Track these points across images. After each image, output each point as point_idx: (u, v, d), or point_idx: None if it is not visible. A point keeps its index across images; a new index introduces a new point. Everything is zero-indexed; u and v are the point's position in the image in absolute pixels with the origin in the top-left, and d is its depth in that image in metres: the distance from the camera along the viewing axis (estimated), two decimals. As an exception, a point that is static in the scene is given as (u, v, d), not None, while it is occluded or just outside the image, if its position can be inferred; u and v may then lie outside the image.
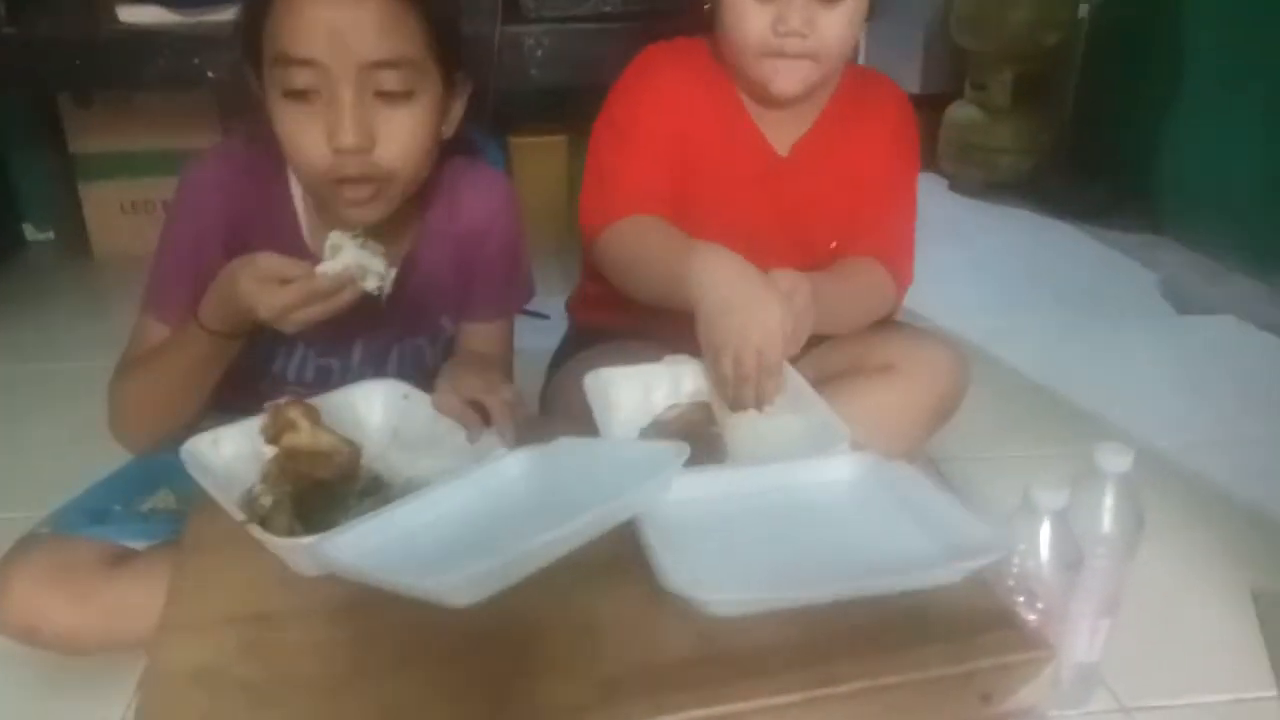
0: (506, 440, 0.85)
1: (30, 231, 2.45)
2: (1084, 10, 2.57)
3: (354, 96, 0.86)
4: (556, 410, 1.18)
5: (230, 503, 0.78)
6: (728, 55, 1.13)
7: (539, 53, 1.72)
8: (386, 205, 0.93)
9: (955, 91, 2.75)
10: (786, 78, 1.08)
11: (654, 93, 1.16)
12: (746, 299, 0.92)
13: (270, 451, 0.84)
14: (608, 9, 1.72)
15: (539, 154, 2.29)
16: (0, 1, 1.64)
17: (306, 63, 0.85)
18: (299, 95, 0.87)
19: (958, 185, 2.70)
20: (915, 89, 2.87)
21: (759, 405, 0.92)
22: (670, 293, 0.99)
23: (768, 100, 1.14)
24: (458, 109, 0.98)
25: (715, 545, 0.74)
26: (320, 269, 0.84)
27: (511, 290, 1.14)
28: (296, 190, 1.00)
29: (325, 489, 0.83)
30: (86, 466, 1.03)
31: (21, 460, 1.45)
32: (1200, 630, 1.12)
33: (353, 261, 0.85)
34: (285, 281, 0.84)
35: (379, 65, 0.86)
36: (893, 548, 0.74)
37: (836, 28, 1.06)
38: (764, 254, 1.16)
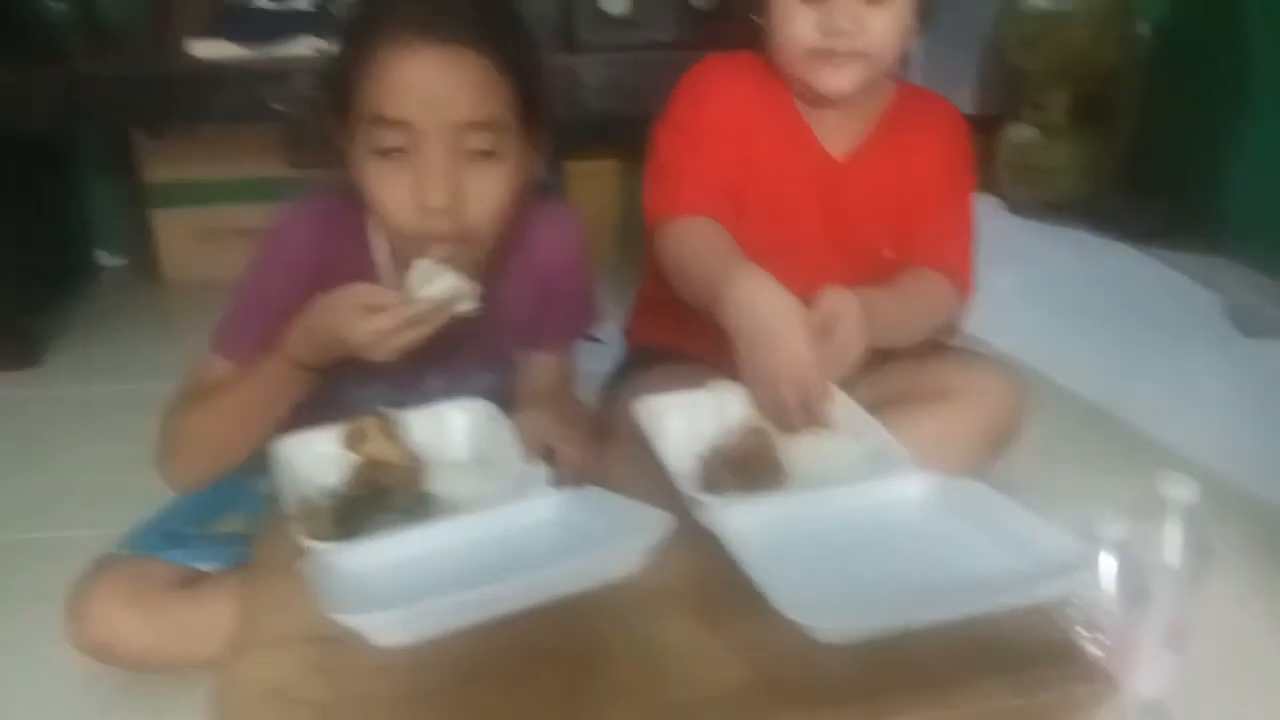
0: (566, 485, 0.86)
1: (103, 257, 2.53)
2: (1144, 28, 2.53)
3: (444, 156, 0.88)
4: (613, 432, 1.20)
5: (294, 501, 0.82)
6: (779, 62, 1.15)
7: (593, 82, 1.75)
8: (468, 258, 0.95)
9: (1011, 112, 2.72)
10: (835, 76, 1.10)
11: (711, 94, 1.19)
12: (776, 332, 0.93)
13: (353, 458, 0.89)
14: (661, 38, 1.75)
15: (592, 178, 2.31)
16: (80, 41, 1.70)
17: (400, 123, 0.88)
18: (390, 153, 0.89)
19: (1015, 206, 2.67)
20: (970, 109, 2.84)
21: (812, 428, 0.93)
22: (711, 309, 1.00)
23: (819, 101, 1.15)
24: (538, 166, 1.00)
25: (807, 570, 0.73)
26: (422, 294, 0.87)
27: (579, 319, 1.17)
28: (376, 240, 1.02)
29: (375, 500, 0.86)
30: (155, 485, 1.05)
31: (92, 478, 1.50)
32: (1271, 666, 1.09)
33: (448, 286, 0.87)
34: (380, 310, 0.86)
35: (469, 126, 0.89)
36: (982, 567, 0.73)
37: (883, 27, 1.08)
38: (816, 259, 1.19)
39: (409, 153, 0.89)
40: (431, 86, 0.87)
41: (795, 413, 0.92)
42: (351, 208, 0.97)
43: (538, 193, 1.07)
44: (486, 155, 0.91)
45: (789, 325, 0.93)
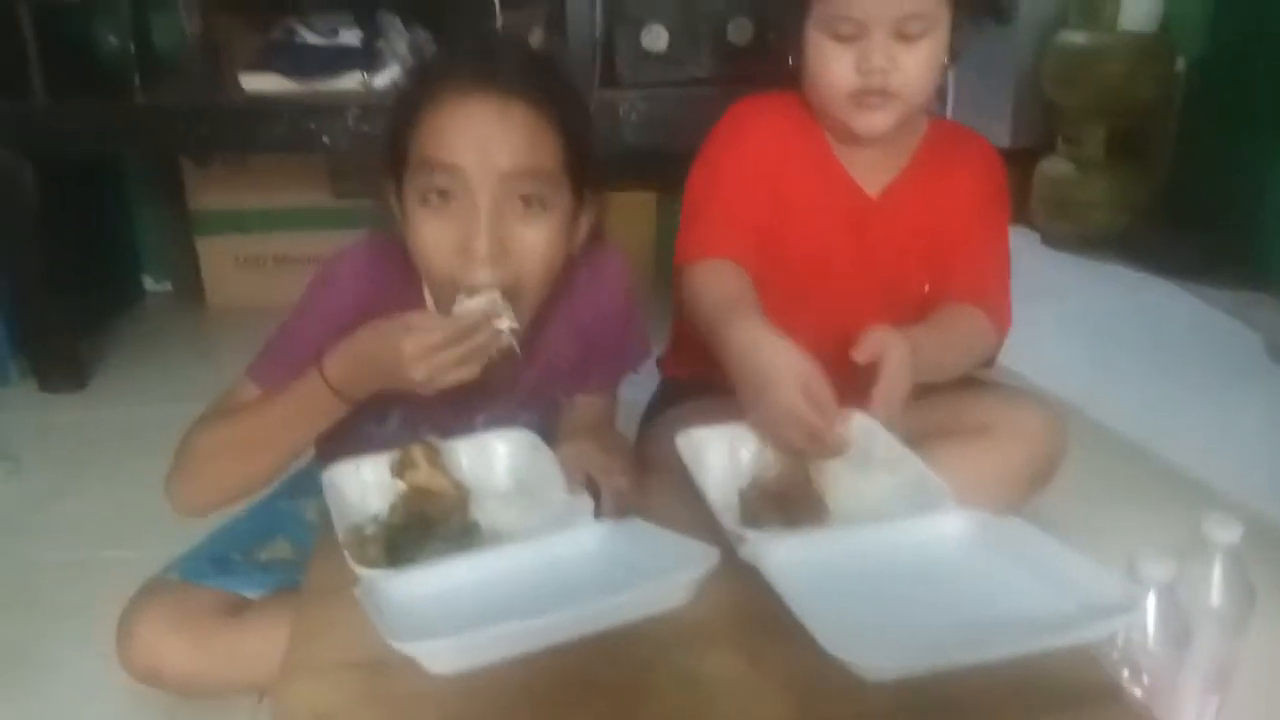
0: (608, 517, 0.86)
1: (149, 282, 2.60)
2: (1181, 64, 2.53)
3: (491, 204, 0.89)
4: (651, 465, 1.21)
5: (344, 528, 0.83)
6: (815, 101, 1.17)
7: (633, 117, 1.77)
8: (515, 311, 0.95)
9: (1046, 145, 2.72)
10: (871, 116, 1.12)
11: (745, 136, 1.20)
12: (767, 378, 0.94)
13: (399, 485, 0.89)
14: (700, 74, 1.77)
15: (629, 210, 2.34)
16: (135, 73, 1.76)
17: (449, 168, 0.88)
18: (437, 200, 0.90)
19: (1051, 240, 2.66)
20: (1005, 142, 2.84)
21: (839, 455, 0.94)
22: (716, 353, 1.02)
23: (855, 140, 1.17)
24: (585, 224, 1.00)
25: (849, 606, 0.73)
26: (457, 309, 0.88)
27: (626, 361, 1.17)
28: (427, 290, 1.00)
29: (422, 528, 0.87)
30: None
31: (138, 499, 1.51)
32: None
33: (486, 300, 0.88)
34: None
35: (518, 175, 0.89)
36: (1024, 606, 0.73)
37: (917, 65, 1.09)
38: (852, 296, 1.21)
39: (457, 199, 0.89)
40: (482, 133, 0.88)
41: (811, 449, 0.93)
42: (404, 255, 0.96)
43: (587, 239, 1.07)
44: (534, 206, 0.91)
45: (779, 370, 0.93)
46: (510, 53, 0.94)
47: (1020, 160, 2.76)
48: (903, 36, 1.08)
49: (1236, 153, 2.42)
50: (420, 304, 1.00)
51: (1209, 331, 2.13)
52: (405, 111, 0.92)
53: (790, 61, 1.17)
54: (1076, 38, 2.50)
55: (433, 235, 0.91)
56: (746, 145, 1.20)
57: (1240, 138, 2.42)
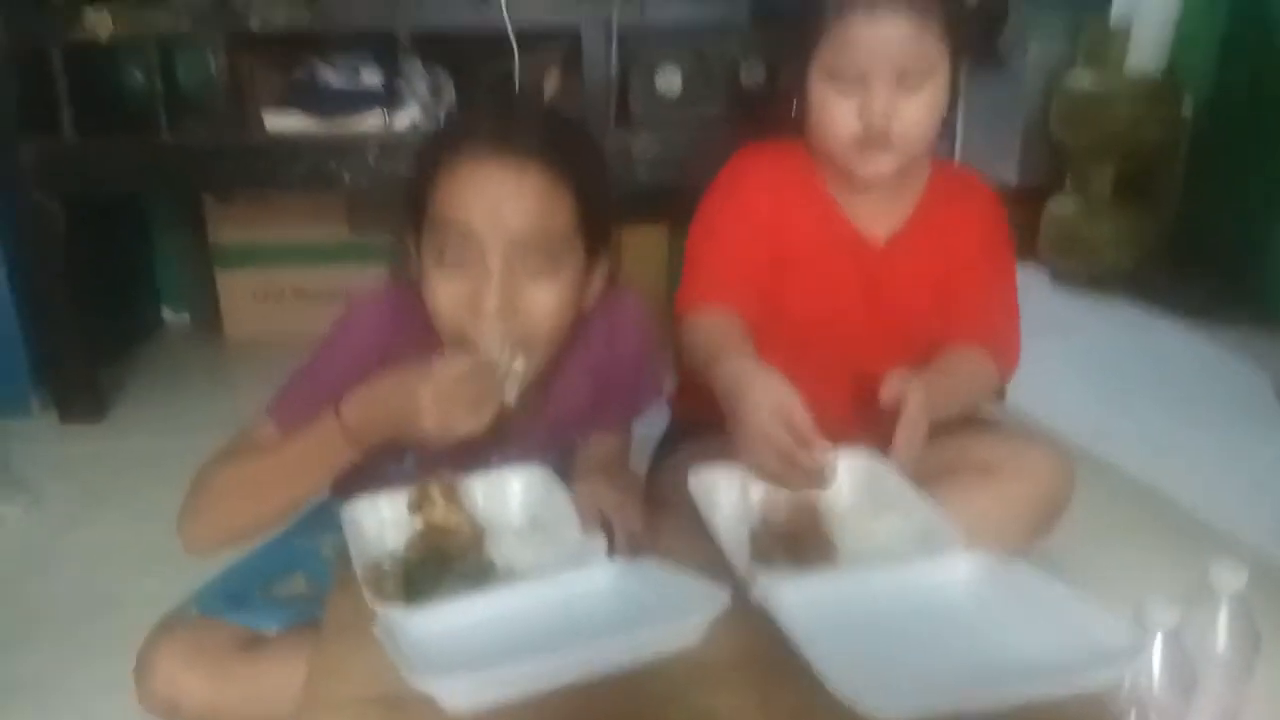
0: (621, 556, 0.88)
1: (167, 313, 2.63)
2: (1188, 106, 2.56)
3: (503, 264, 0.91)
4: (662, 502, 1.22)
5: (362, 565, 0.85)
6: (818, 148, 1.19)
7: (648, 157, 1.81)
8: (524, 373, 0.96)
9: (1054, 184, 2.75)
10: (874, 163, 1.13)
11: (744, 187, 1.22)
12: (740, 416, 0.96)
13: (416, 522, 0.91)
14: (712, 114, 1.81)
15: (641, 243, 2.37)
16: (161, 112, 1.80)
17: (463, 229, 0.91)
18: (451, 258, 0.92)
19: (1060, 277, 2.68)
20: (1014, 181, 2.89)
21: (822, 486, 0.95)
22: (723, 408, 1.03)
23: (858, 186, 1.19)
24: (597, 282, 1.03)
25: (857, 649, 0.73)
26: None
27: (640, 401, 1.18)
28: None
29: (439, 565, 0.88)
30: None
31: (155, 531, 1.53)
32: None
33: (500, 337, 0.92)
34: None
35: (529, 238, 0.91)
36: (1032, 652, 0.73)
37: (918, 113, 1.11)
38: (859, 342, 1.22)
39: (470, 258, 0.92)
40: (496, 196, 0.91)
41: (782, 476, 0.94)
42: (422, 302, 0.98)
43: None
44: (545, 266, 0.93)
45: (756, 396, 0.96)
46: (528, 115, 0.97)
47: (1028, 199, 2.79)
48: (904, 85, 1.10)
49: (1244, 193, 2.45)
50: (438, 351, 1.01)
51: (1217, 371, 2.15)
52: (425, 169, 0.95)
53: (794, 108, 1.19)
54: (1084, 81, 2.54)
55: (446, 291, 0.94)
56: (745, 196, 1.21)
57: (1248, 178, 2.44)
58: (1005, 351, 1.25)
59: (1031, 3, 2.86)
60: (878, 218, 1.23)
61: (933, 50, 1.10)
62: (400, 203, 0.99)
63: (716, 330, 1.13)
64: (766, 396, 0.95)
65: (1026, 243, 2.73)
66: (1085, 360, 2.21)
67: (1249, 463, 1.75)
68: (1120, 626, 0.73)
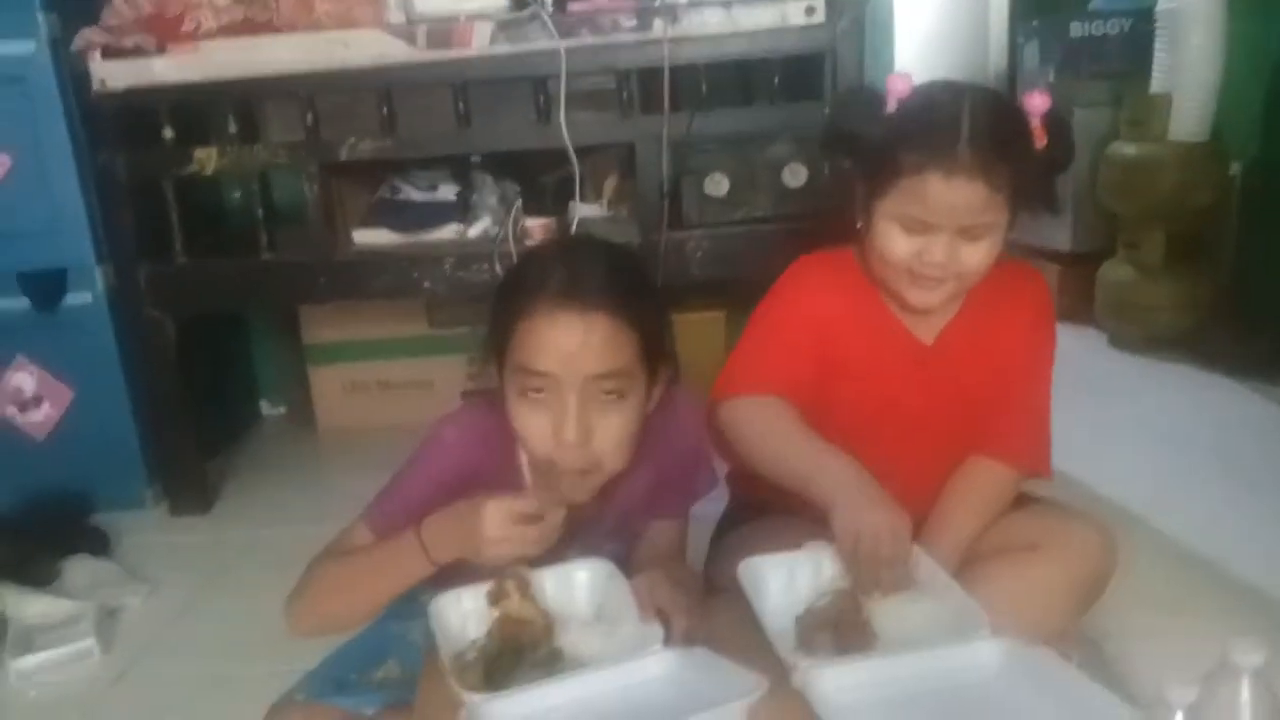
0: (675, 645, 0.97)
1: (265, 407, 2.83)
2: (1235, 169, 2.58)
3: (578, 401, 1.04)
4: (719, 585, 1.30)
5: (448, 654, 0.96)
6: (874, 265, 1.24)
7: (699, 254, 1.93)
8: (599, 484, 1.10)
9: (1107, 248, 2.78)
10: (924, 295, 1.20)
11: (799, 294, 1.29)
12: (883, 499, 1.06)
13: (494, 613, 1.02)
14: (759, 214, 1.92)
15: (699, 329, 2.46)
16: (262, 234, 2.00)
17: (542, 374, 1.05)
18: (532, 394, 1.06)
19: (1117, 341, 2.70)
20: (1067, 247, 2.93)
21: (891, 589, 1.03)
22: (793, 482, 1.13)
23: (906, 307, 1.25)
24: (659, 393, 1.15)
25: None
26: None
27: (696, 492, 1.29)
28: (525, 457, 1.15)
29: (515, 654, 0.99)
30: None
31: (263, 617, 1.64)
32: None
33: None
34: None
35: (600, 377, 1.05)
36: None
37: (976, 258, 1.16)
38: (917, 441, 1.26)
39: (549, 396, 1.05)
40: (569, 345, 1.04)
41: (884, 566, 1.03)
42: (503, 425, 1.12)
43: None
44: (614, 398, 1.06)
45: (888, 495, 1.06)
46: (590, 262, 1.09)
47: (1082, 264, 2.84)
48: (966, 235, 1.14)
49: (1297, 253, 2.45)
50: (516, 471, 1.15)
51: (1276, 433, 2.13)
52: (504, 317, 1.08)
53: (858, 226, 1.24)
54: (1129, 149, 2.58)
55: (530, 423, 1.07)
56: (798, 296, 1.29)
57: (1300, 238, 2.44)
58: (1032, 466, 1.30)
59: (1073, 72, 2.94)
60: (926, 320, 1.27)
61: (1000, 209, 1.14)
62: (478, 305, 1.13)
63: (770, 410, 1.20)
64: (882, 518, 1.04)
65: (1083, 307, 2.77)
66: (1143, 425, 2.21)
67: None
68: (1128, 713, 0.79)
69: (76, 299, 2.05)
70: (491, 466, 1.14)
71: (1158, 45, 2.53)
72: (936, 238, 1.15)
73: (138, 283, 2.00)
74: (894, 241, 1.18)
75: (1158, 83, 2.53)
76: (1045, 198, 1.23)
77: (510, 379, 1.09)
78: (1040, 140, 1.16)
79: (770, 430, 1.21)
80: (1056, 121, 1.18)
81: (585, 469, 1.08)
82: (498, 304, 1.11)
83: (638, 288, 1.11)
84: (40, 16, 1.90)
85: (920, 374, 1.27)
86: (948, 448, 1.29)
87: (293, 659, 1.21)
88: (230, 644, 1.63)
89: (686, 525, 1.31)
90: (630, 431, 1.09)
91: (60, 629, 1.65)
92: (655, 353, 1.11)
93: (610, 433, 1.07)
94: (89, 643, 1.61)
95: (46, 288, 2.04)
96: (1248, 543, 1.68)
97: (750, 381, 1.26)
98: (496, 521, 1.00)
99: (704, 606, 1.08)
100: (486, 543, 1.00)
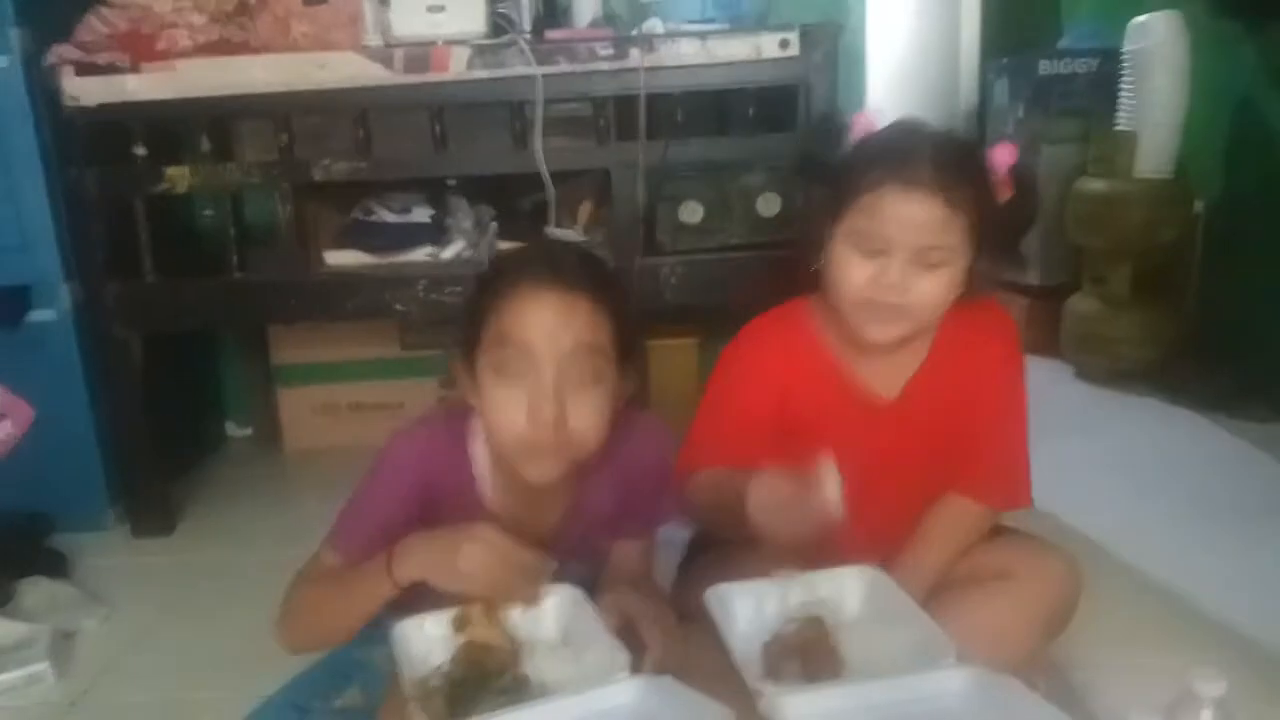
0: (654, 666, 0.98)
1: (231, 428, 2.79)
2: (1199, 206, 2.64)
3: (554, 377, 1.06)
4: (687, 611, 1.30)
5: (411, 681, 0.95)
6: (831, 303, 1.24)
7: (673, 280, 1.94)
8: (566, 468, 1.11)
9: (1074, 282, 2.83)
10: (880, 328, 1.20)
11: (750, 366, 1.30)
12: (748, 514, 1.05)
13: (459, 639, 1.01)
14: (733, 242, 1.94)
15: (671, 355, 2.48)
16: (234, 254, 1.98)
17: (523, 344, 1.06)
18: (510, 370, 1.07)
19: (1084, 373, 2.74)
20: (1035, 280, 2.97)
21: (836, 509, 1.01)
22: (735, 521, 1.09)
23: (864, 347, 1.24)
24: (626, 391, 1.17)
25: None
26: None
27: (662, 513, 1.30)
28: (477, 453, 1.18)
29: (480, 681, 0.98)
30: (275, 649, 1.16)
31: (225, 641, 1.62)
32: None
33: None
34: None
35: (577, 351, 1.06)
36: None
37: (931, 290, 1.17)
38: (882, 489, 1.23)
39: (526, 372, 1.06)
40: (551, 319, 1.06)
41: (801, 516, 1.02)
42: (454, 427, 1.15)
43: (628, 407, 1.21)
44: (590, 378, 1.08)
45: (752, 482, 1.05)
46: (570, 256, 1.15)
47: (1049, 298, 2.88)
48: (923, 261, 1.14)
49: (1259, 288, 2.50)
50: (471, 481, 1.16)
51: (1240, 466, 2.16)
52: (486, 294, 1.11)
53: (816, 263, 1.24)
54: (1096, 185, 2.63)
55: (503, 403, 1.08)
56: (751, 381, 1.29)
57: (1262, 272, 2.50)
58: (1013, 498, 1.31)
59: (1042, 109, 3.00)
60: (888, 372, 1.27)
61: (957, 236, 1.14)
62: (451, 326, 1.16)
63: (720, 475, 1.20)
64: (758, 478, 1.04)
65: (1050, 340, 2.80)
66: (1108, 456, 2.24)
67: (1268, 559, 1.76)
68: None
69: (40, 316, 2.01)
70: (446, 477, 1.15)
71: (1124, 84, 2.60)
72: (892, 261, 1.15)
73: (105, 301, 1.98)
74: (851, 268, 1.18)
75: (1124, 121, 2.59)
76: (1008, 250, 1.24)
77: (487, 357, 1.09)
78: (1005, 192, 1.18)
79: (717, 501, 1.19)
80: (1022, 175, 1.19)
81: (558, 447, 1.08)
82: (476, 293, 1.13)
83: (610, 280, 1.14)
84: (13, 32, 1.89)
85: (878, 433, 1.26)
86: (919, 492, 1.30)
87: (254, 684, 1.20)
88: (190, 669, 1.60)
89: (654, 547, 1.31)
90: (603, 417, 1.10)
91: (13, 652, 1.61)
92: (627, 347, 1.13)
93: (584, 412, 1.08)
94: (43, 666, 1.58)
95: (10, 304, 2.00)
96: (1211, 574, 1.70)
97: (708, 457, 1.26)
98: (477, 557, 1.01)
99: (675, 618, 1.08)
100: (457, 579, 1.01)
